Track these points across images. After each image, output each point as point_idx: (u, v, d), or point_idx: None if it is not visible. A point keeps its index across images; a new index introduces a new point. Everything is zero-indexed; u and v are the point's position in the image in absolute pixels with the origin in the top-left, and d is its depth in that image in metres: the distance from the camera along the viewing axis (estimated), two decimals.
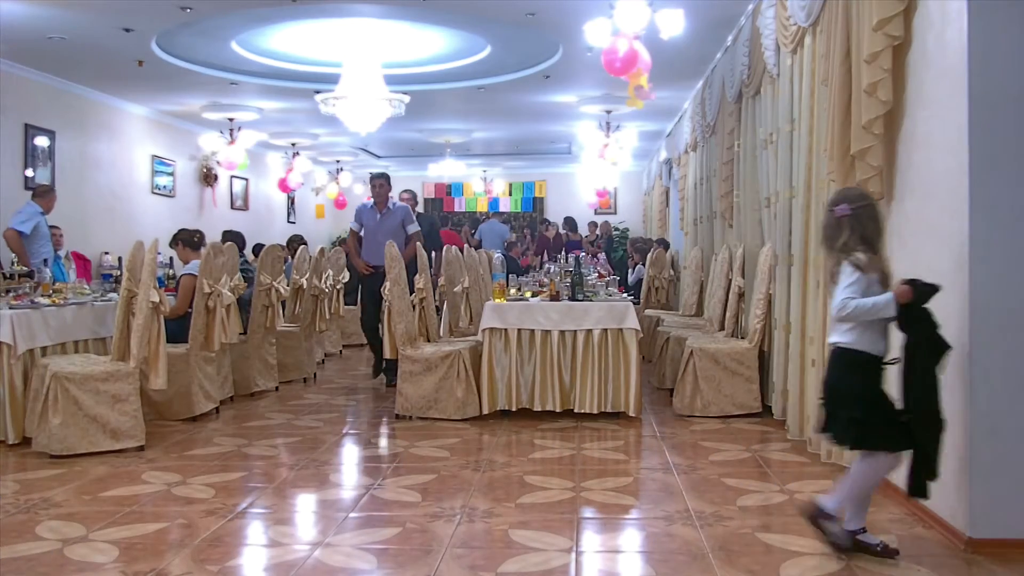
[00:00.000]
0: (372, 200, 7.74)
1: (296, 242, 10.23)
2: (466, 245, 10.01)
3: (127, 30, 7.59)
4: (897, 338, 3.23)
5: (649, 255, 10.35)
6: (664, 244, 12.19)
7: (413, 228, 7.62)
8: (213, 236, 8.22)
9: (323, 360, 9.05)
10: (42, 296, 5.89)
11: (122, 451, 5.01)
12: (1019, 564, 3.17)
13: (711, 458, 4.84)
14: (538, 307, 5.98)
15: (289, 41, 8.61)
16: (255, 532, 3.68)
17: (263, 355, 7.19)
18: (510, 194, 19.20)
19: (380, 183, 7.70)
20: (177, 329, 6.01)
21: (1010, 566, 3.15)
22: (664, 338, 7.29)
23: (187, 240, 6.78)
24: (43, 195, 8.01)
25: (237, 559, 3.38)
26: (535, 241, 15.15)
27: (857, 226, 3.16)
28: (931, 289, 3.14)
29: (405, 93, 8.59)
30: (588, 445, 5.22)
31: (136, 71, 8.98)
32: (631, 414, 5.84)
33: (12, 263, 7.15)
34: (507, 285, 6.51)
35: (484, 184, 18.62)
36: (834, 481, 4.25)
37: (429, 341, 6.40)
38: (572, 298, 6.09)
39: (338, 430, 5.78)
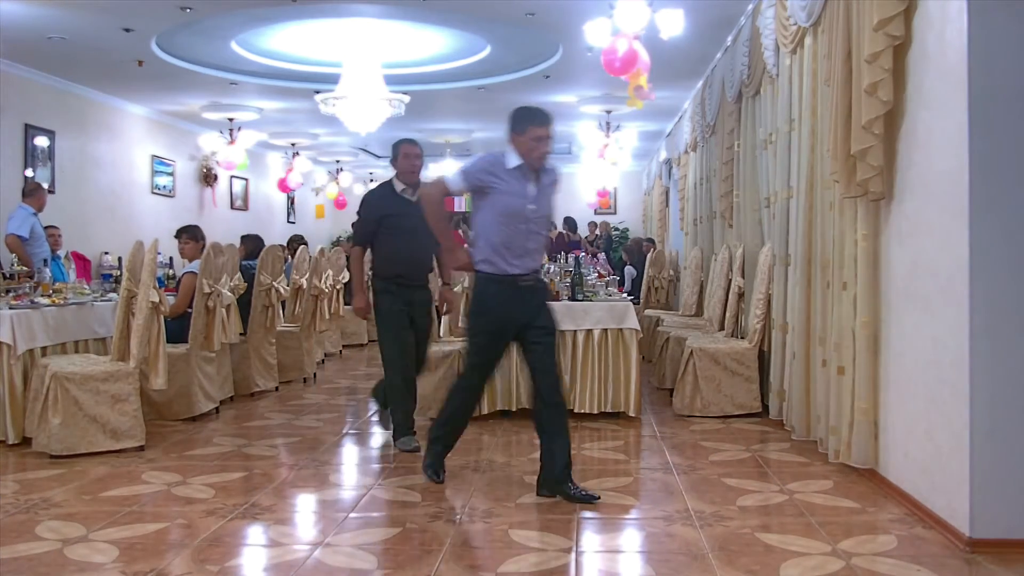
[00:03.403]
0: (524, 158, 4.03)
1: (296, 242, 10.25)
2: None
3: (127, 30, 7.60)
4: None
5: (649, 256, 10.37)
6: (651, 241, 12.30)
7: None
8: (212, 236, 8.21)
9: (323, 360, 9.05)
10: (42, 296, 5.88)
11: (122, 451, 5.01)
12: (1019, 564, 3.17)
13: (711, 458, 4.83)
14: None
15: (289, 41, 8.61)
16: (255, 532, 3.68)
17: (263, 355, 7.19)
18: None
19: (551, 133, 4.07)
20: (177, 329, 6.01)
21: (1010, 566, 3.15)
22: (664, 338, 7.29)
23: (196, 235, 6.74)
24: (32, 194, 7.97)
25: (237, 559, 3.38)
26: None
27: None
28: None
29: (405, 93, 8.61)
30: (588, 445, 5.22)
31: (136, 71, 8.98)
32: (631, 414, 5.83)
33: (12, 263, 7.15)
34: None
35: None
36: (834, 481, 4.26)
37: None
38: (572, 298, 6.08)
39: (338, 430, 5.78)
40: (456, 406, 4.29)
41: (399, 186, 5.11)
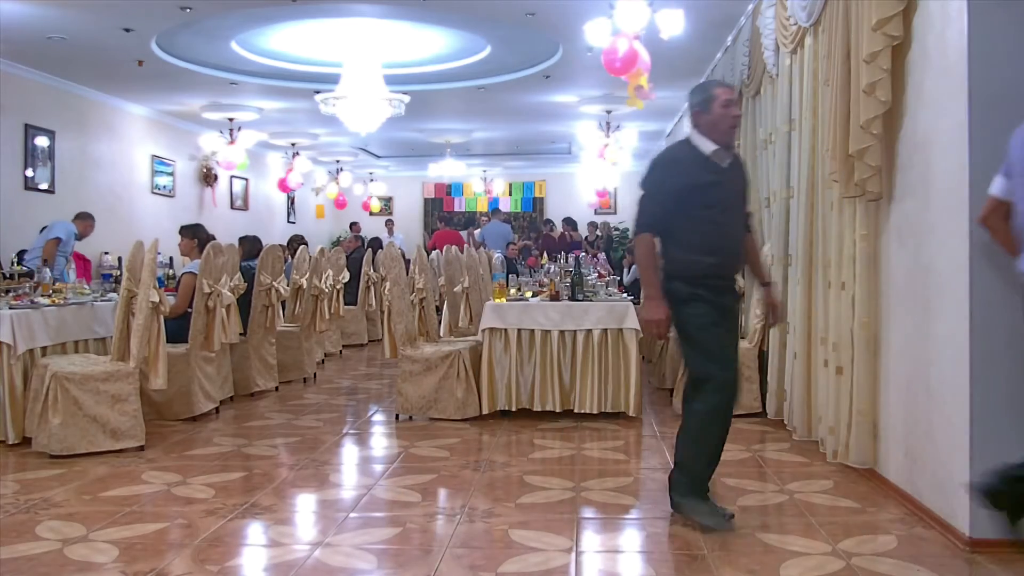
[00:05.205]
0: None
1: (296, 242, 10.24)
2: (467, 245, 10.00)
3: (127, 30, 7.60)
4: None
5: None
6: None
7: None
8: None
9: (323, 360, 9.05)
10: (42, 296, 5.89)
11: (122, 451, 5.01)
12: (1019, 564, 3.16)
13: None
14: (538, 307, 5.97)
15: (289, 41, 8.62)
16: (255, 532, 3.68)
17: (263, 355, 7.19)
18: (510, 194, 19.21)
19: None
20: (177, 329, 6.01)
21: (1010, 566, 3.15)
22: None
23: (201, 236, 6.74)
24: (84, 219, 8.53)
25: (237, 559, 3.38)
26: (537, 241, 15.16)
27: None
28: None
29: (405, 93, 8.61)
30: (588, 445, 5.21)
31: (136, 71, 8.99)
32: (631, 414, 5.83)
33: (12, 263, 7.17)
34: (507, 285, 6.51)
35: (484, 184, 18.63)
36: (834, 481, 4.26)
37: (429, 341, 6.40)
38: (572, 298, 6.08)
39: (338, 430, 5.78)
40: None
41: (707, 146, 3.54)
